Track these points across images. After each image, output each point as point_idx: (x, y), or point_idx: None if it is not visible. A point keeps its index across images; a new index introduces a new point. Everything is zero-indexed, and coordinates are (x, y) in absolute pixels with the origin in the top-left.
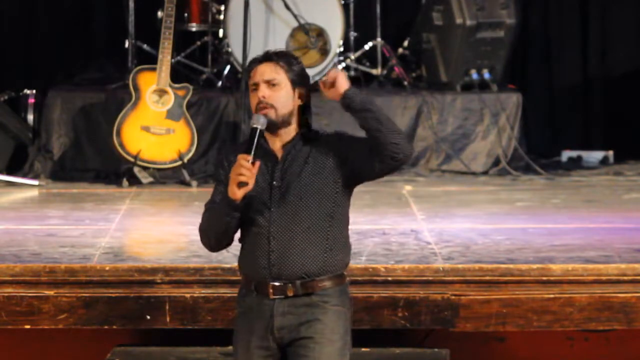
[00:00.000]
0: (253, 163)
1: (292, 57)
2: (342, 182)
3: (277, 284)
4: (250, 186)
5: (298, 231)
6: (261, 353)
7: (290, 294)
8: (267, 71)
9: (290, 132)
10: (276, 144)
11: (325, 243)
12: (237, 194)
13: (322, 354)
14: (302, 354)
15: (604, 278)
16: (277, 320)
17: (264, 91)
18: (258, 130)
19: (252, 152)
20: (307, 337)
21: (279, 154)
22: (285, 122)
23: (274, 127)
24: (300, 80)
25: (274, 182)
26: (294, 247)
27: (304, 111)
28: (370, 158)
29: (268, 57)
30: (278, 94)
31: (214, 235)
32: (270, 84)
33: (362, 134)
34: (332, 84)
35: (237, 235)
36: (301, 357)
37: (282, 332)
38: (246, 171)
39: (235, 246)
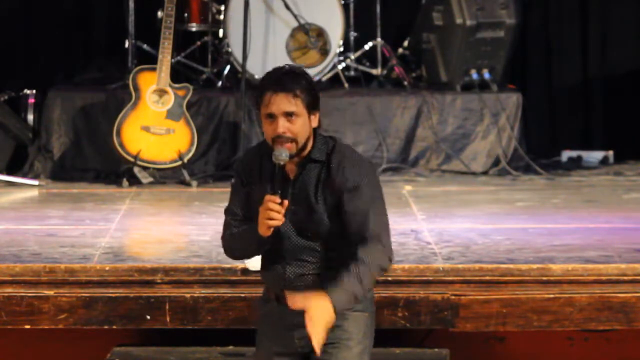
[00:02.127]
0: (281, 202)
1: (304, 78)
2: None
3: None
4: (280, 223)
5: (312, 255)
6: (282, 359)
7: None
8: (284, 103)
9: (302, 155)
10: (287, 164)
11: (341, 261)
12: (268, 232)
13: (338, 358)
14: (321, 359)
15: (604, 278)
16: (297, 331)
17: (283, 126)
18: (280, 166)
19: (279, 190)
20: (326, 343)
21: (291, 173)
22: (303, 149)
23: (293, 156)
24: (314, 104)
25: (292, 207)
26: (311, 276)
27: (315, 134)
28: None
29: (283, 86)
30: (297, 126)
31: (241, 255)
32: (289, 116)
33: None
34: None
35: None
36: None
37: (303, 342)
38: (275, 214)
39: None
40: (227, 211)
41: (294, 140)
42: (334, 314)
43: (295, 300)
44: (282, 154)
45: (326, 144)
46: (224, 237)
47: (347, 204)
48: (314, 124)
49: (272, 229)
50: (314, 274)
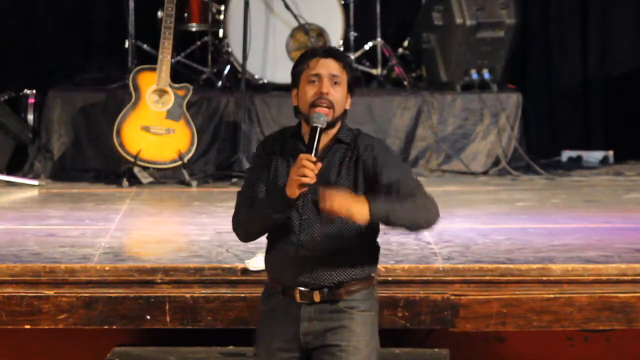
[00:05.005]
0: (315, 163)
1: (351, 62)
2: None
3: (304, 289)
4: (313, 181)
5: (328, 240)
6: (283, 355)
7: (317, 299)
8: (333, 66)
9: (330, 134)
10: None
11: (355, 251)
12: (296, 193)
13: None
14: None
15: (604, 278)
16: (303, 326)
17: (327, 87)
18: (319, 129)
19: (314, 152)
20: (334, 344)
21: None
22: (334, 124)
23: (326, 127)
24: (353, 83)
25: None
26: (323, 256)
27: (343, 115)
28: None
29: (333, 53)
30: (339, 94)
31: (255, 231)
32: (334, 80)
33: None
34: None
35: None
36: None
37: (308, 338)
38: (309, 172)
39: (236, 247)
40: (243, 192)
41: (332, 106)
42: (367, 212)
43: (331, 196)
44: (321, 117)
45: (351, 130)
46: (237, 214)
47: (386, 177)
48: (348, 105)
49: (301, 190)
50: (328, 264)
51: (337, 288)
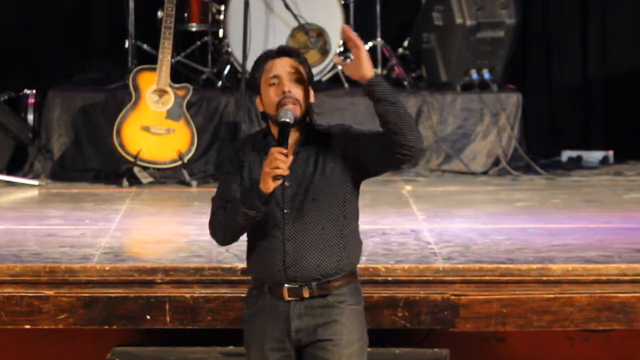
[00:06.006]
0: (286, 155)
1: (300, 53)
2: (351, 180)
3: (292, 286)
4: (285, 173)
5: (313, 232)
6: (276, 355)
7: (306, 295)
8: (290, 65)
9: (299, 129)
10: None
11: (340, 242)
12: (270, 187)
13: (342, 356)
14: (321, 356)
15: (604, 278)
16: (294, 323)
17: (289, 85)
18: (287, 124)
19: (285, 146)
20: (326, 339)
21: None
22: (301, 120)
23: (294, 124)
24: (311, 78)
25: (286, 183)
26: (310, 249)
27: (309, 109)
28: (379, 154)
29: (286, 51)
30: (301, 90)
31: (233, 231)
32: (294, 78)
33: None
34: (358, 59)
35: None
36: None
37: (300, 335)
38: (282, 163)
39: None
40: (217, 197)
41: (297, 103)
42: (370, 68)
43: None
44: (288, 112)
45: (321, 124)
46: (213, 218)
47: (354, 145)
48: (312, 98)
49: (275, 183)
50: (314, 255)
51: (325, 282)
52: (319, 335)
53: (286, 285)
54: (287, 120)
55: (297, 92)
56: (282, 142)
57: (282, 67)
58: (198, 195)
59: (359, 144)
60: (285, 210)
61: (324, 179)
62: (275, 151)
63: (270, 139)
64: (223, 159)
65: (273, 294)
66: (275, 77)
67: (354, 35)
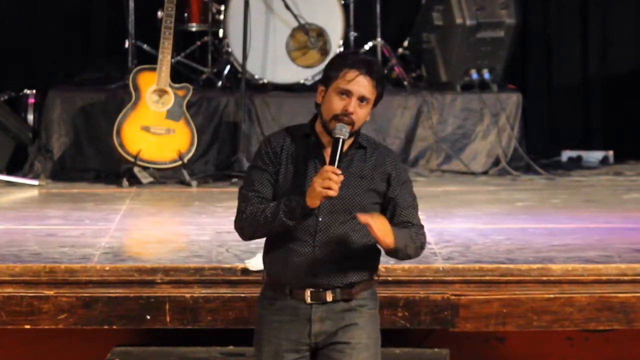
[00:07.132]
0: (338, 175)
1: (383, 74)
2: (380, 204)
3: (315, 290)
4: (335, 194)
5: (343, 242)
6: (291, 357)
7: (329, 299)
8: (365, 87)
9: (347, 142)
10: (329, 150)
11: (366, 252)
12: (317, 204)
13: (358, 359)
14: (337, 358)
15: (604, 278)
16: (315, 326)
17: (354, 107)
18: (341, 141)
19: (336, 164)
20: (344, 342)
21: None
22: (352, 135)
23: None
24: (380, 97)
25: None
26: (339, 258)
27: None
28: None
29: (372, 70)
30: (363, 113)
31: (264, 233)
32: (362, 101)
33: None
34: (376, 237)
35: None
36: None
37: (319, 338)
38: (335, 184)
39: (236, 247)
40: (246, 191)
41: (352, 124)
42: (390, 232)
43: (374, 218)
44: (344, 129)
45: (367, 137)
46: (242, 213)
47: (398, 197)
48: (368, 117)
49: (322, 201)
50: (343, 265)
51: (349, 288)
52: (338, 338)
53: (309, 289)
54: (341, 136)
55: (358, 115)
56: (334, 159)
57: (359, 86)
58: (198, 195)
59: (395, 194)
60: (320, 218)
61: (361, 193)
62: (330, 170)
63: (313, 140)
64: (258, 149)
65: (294, 296)
66: (348, 91)
67: (364, 219)
